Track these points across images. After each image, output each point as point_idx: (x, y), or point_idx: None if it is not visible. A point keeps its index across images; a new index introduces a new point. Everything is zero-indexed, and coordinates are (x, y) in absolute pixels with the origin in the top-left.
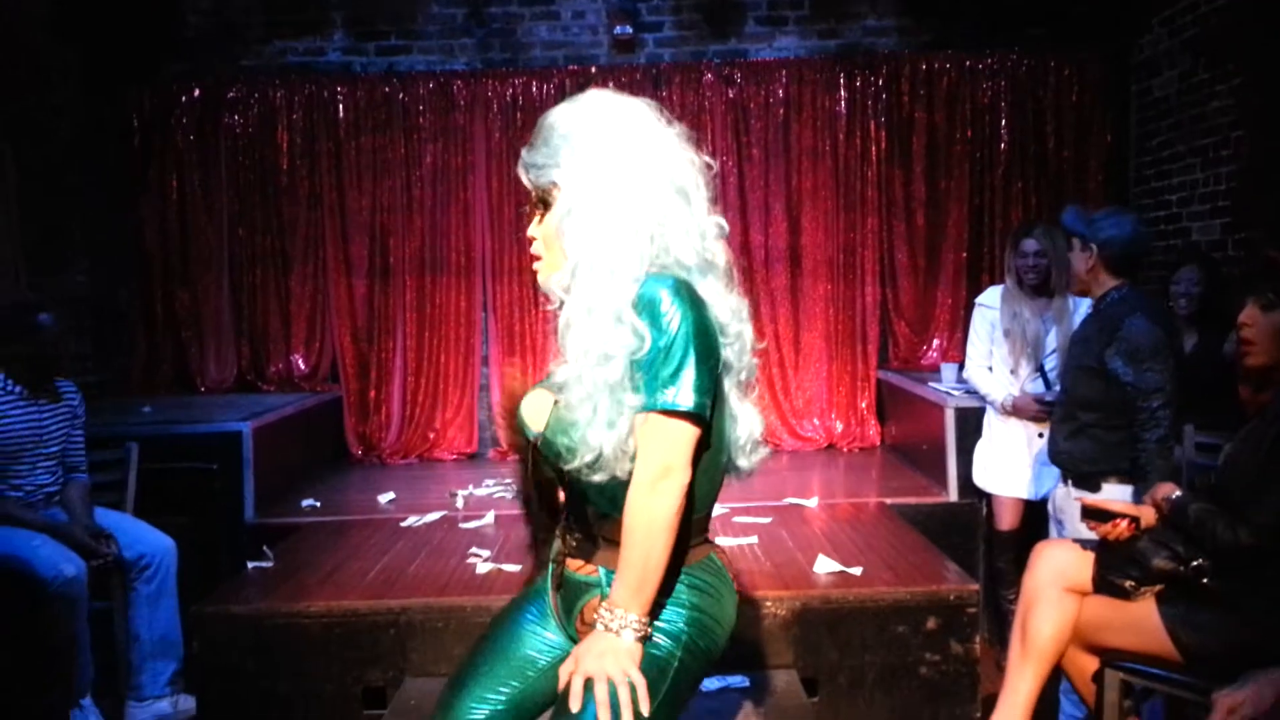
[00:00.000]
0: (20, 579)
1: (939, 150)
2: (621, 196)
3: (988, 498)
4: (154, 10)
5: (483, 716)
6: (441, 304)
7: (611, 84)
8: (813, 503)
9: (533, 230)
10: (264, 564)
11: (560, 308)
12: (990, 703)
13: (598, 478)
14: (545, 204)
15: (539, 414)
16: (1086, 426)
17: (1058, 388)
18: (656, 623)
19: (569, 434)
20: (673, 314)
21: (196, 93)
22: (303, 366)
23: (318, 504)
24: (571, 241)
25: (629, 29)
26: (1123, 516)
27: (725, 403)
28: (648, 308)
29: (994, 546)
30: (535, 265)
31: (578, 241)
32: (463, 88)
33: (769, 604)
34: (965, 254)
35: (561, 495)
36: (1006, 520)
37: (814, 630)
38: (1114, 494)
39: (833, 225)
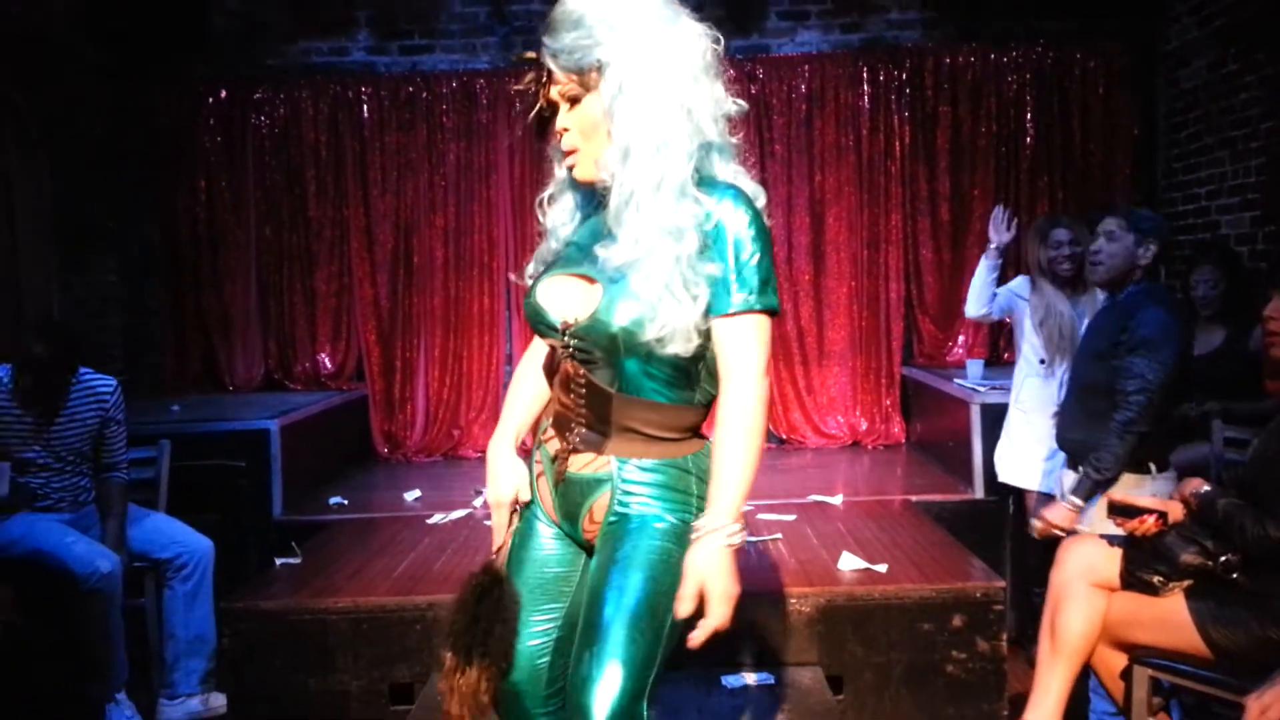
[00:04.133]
0: (55, 575)
1: (963, 145)
2: (668, 72)
3: (1016, 494)
4: (181, 10)
5: (546, 650)
6: (465, 302)
7: None
8: (837, 500)
9: (564, 120)
10: (292, 560)
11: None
12: (1018, 701)
13: (671, 349)
14: (579, 91)
15: (569, 300)
16: (1096, 414)
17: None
18: (674, 519)
19: (630, 313)
20: (746, 217)
21: (223, 93)
22: (329, 365)
23: (345, 501)
24: (622, 121)
25: None
26: (1150, 512)
27: None
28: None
29: (1024, 543)
30: (569, 159)
31: (629, 120)
32: (485, 86)
33: (794, 601)
34: None
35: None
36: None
37: (839, 627)
38: (1128, 486)
39: (856, 221)
